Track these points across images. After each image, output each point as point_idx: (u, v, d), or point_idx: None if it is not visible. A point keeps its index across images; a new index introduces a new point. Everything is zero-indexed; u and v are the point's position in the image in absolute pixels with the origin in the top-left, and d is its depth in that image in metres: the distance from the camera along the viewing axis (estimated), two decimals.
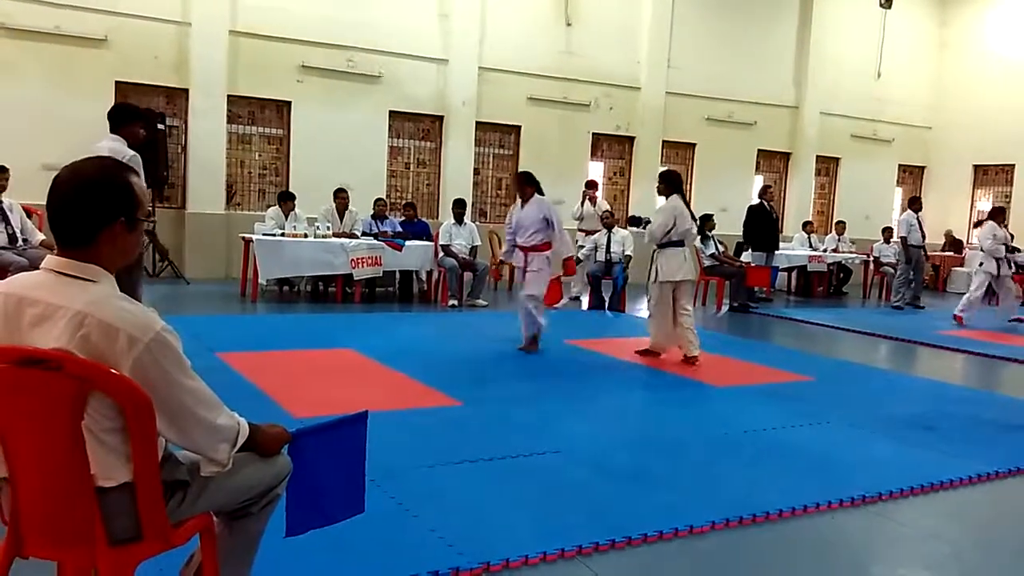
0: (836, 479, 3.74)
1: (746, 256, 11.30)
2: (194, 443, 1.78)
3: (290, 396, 4.66)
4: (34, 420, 1.67)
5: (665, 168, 7.64)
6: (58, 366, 1.58)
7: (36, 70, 9.68)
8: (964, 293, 10.36)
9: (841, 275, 13.68)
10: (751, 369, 6.57)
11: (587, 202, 11.01)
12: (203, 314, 7.87)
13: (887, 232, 13.55)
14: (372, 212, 10.00)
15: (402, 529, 2.93)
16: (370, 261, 8.96)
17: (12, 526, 1.77)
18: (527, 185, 6.61)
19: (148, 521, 1.73)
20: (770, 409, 5.12)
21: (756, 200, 11.59)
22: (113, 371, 1.61)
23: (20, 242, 6.92)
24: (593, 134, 13.37)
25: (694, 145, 14.34)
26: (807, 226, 13.74)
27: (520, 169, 12.78)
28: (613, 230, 10.02)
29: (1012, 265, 10.09)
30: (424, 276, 10.08)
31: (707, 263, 10.87)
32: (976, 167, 16.28)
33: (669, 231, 6.45)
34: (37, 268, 1.75)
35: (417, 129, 12.23)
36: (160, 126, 9.71)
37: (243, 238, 9.22)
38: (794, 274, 13.22)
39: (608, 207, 10.91)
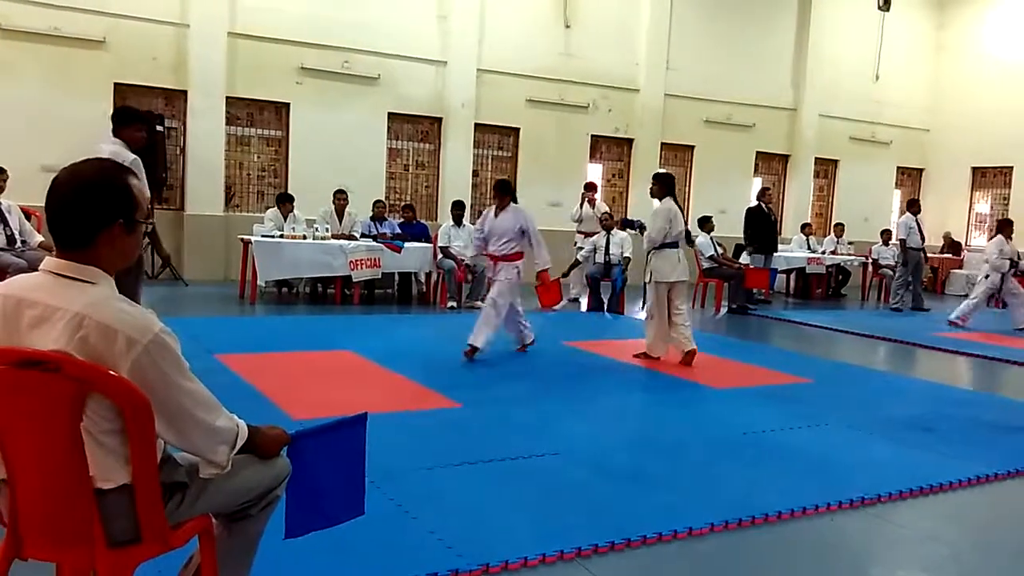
0: (835, 481, 3.74)
1: (745, 258, 11.31)
2: (193, 445, 1.77)
3: (289, 398, 4.66)
4: (33, 421, 1.66)
5: (658, 170, 7.63)
6: (57, 368, 1.58)
7: (35, 71, 9.68)
8: (963, 295, 10.38)
9: (840, 277, 13.71)
10: (750, 371, 6.57)
11: (586, 204, 11.01)
12: (202, 316, 7.87)
13: (886, 234, 13.56)
14: (371, 214, 10.00)
15: (401, 531, 2.93)
16: (369, 263, 8.96)
17: (11, 528, 1.77)
18: (505, 194, 6.50)
19: (147, 523, 1.73)
20: (769, 411, 5.12)
21: (754, 202, 11.60)
22: (112, 373, 1.61)
23: (19, 244, 6.92)
24: (592, 136, 13.39)
25: (693, 147, 14.36)
26: (805, 228, 13.77)
27: (519, 170, 12.87)
28: (612, 232, 10.02)
29: (1019, 272, 10.15)
30: (423, 278, 10.08)
31: (706, 265, 10.88)
32: (974, 169, 16.31)
33: (666, 234, 6.49)
34: (36, 270, 1.75)
35: (416, 131, 12.24)
36: (159, 128, 9.72)
37: (242, 240, 9.22)
38: (793, 276, 13.24)
39: (607, 209, 10.91)
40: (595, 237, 10.25)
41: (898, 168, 16.76)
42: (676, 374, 6.24)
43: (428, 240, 9.78)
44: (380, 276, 9.28)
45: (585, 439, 4.28)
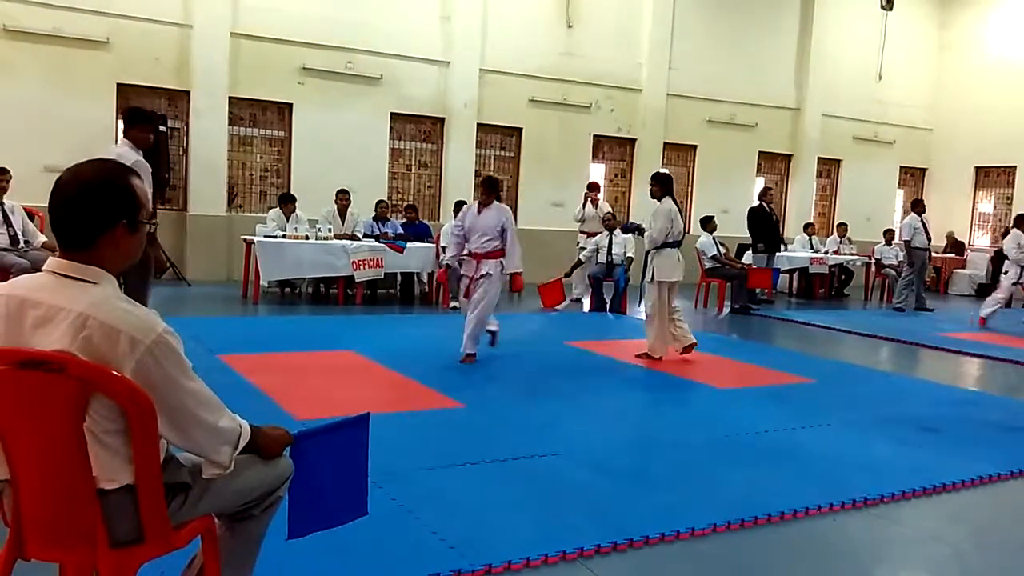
0: (837, 481, 3.74)
1: (747, 258, 11.29)
2: (196, 445, 1.78)
3: (291, 398, 4.66)
4: (36, 422, 1.67)
5: (657, 170, 7.61)
6: (60, 368, 1.59)
7: (37, 72, 9.69)
8: (966, 295, 10.38)
9: (842, 277, 13.68)
10: (752, 371, 6.57)
11: (588, 204, 11.00)
12: (204, 316, 7.88)
13: (888, 234, 13.54)
14: (373, 214, 10.01)
15: (403, 531, 2.93)
16: (371, 263, 8.96)
17: (14, 528, 1.77)
18: (493, 191, 6.34)
19: (150, 523, 1.73)
20: (771, 411, 5.11)
21: (756, 202, 11.58)
22: (115, 373, 1.61)
23: (22, 244, 6.93)
24: (594, 136, 13.38)
25: (695, 147, 14.34)
26: (808, 228, 13.75)
27: (522, 170, 12.86)
28: (614, 232, 10.01)
29: None
30: (425, 278, 10.08)
31: (708, 265, 10.88)
32: (977, 169, 16.27)
33: (667, 233, 6.55)
34: (39, 270, 1.75)
35: (418, 131, 12.24)
36: (162, 128, 9.72)
37: (244, 240, 9.23)
38: (795, 276, 13.22)
39: (609, 209, 10.90)
40: (597, 237, 10.24)
41: (901, 168, 16.74)
42: (678, 374, 6.23)
43: (430, 240, 9.79)
44: (382, 276, 9.27)
45: (587, 439, 4.28)
